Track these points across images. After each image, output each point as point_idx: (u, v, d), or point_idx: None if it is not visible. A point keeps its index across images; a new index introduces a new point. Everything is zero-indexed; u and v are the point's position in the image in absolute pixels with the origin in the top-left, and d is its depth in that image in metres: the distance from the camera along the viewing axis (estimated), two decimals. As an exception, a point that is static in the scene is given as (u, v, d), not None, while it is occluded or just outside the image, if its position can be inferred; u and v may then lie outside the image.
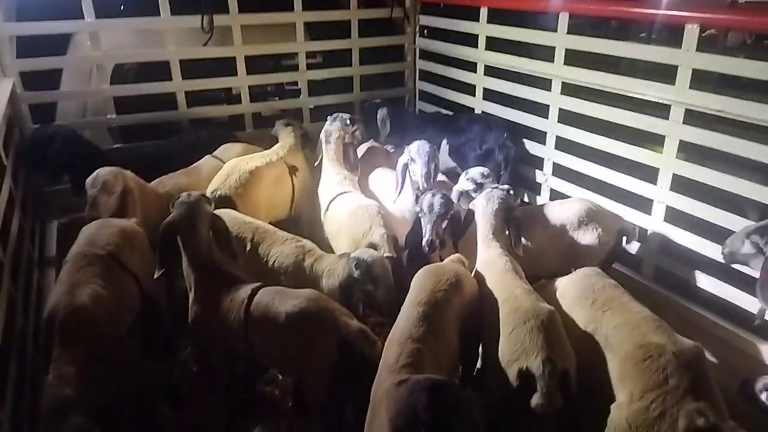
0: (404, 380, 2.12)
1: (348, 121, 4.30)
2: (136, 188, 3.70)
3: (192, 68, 4.94)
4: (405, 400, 1.99)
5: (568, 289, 2.92)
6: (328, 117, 4.39)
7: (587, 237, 3.52)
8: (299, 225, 4.39)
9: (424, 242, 3.32)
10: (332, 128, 4.28)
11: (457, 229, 3.42)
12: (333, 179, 4.10)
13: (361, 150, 4.74)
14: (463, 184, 3.82)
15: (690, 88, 3.39)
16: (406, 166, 3.80)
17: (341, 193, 3.92)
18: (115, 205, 3.52)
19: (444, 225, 3.37)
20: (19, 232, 3.53)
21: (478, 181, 3.77)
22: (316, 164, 4.44)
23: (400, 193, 3.84)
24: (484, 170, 3.86)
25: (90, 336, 2.56)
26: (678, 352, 2.31)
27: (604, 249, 3.52)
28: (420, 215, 3.41)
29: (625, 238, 3.61)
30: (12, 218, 3.48)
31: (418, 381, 2.07)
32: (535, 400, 2.30)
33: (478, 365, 2.98)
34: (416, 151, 3.75)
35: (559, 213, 3.64)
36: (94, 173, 3.55)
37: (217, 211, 3.25)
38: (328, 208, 3.92)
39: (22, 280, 3.36)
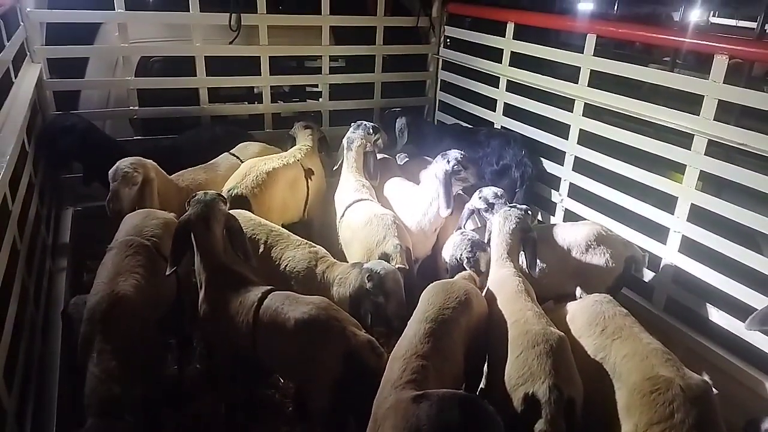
0: (421, 395, 2.10)
1: (371, 130, 4.28)
2: (159, 179, 3.74)
3: (214, 65, 4.97)
4: (435, 417, 1.98)
5: (578, 314, 2.91)
6: (352, 123, 4.38)
7: (594, 261, 3.48)
8: (310, 229, 4.40)
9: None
10: (354, 136, 4.27)
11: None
12: (350, 186, 4.10)
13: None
14: (475, 202, 3.81)
15: (715, 119, 3.36)
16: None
17: (357, 201, 3.91)
18: (136, 196, 3.57)
19: None
20: (35, 219, 3.56)
21: (490, 201, 3.74)
22: (335, 169, 4.44)
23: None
24: (498, 190, 3.83)
25: (131, 327, 2.61)
26: (686, 386, 2.30)
27: (611, 275, 3.48)
28: None
29: (633, 266, 3.57)
30: (30, 205, 3.50)
31: (445, 396, 2.07)
32: (539, 426, 2.28)
33: (482, 385, 2.97)
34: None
35: (568, 234, 3.61)
36: (116, 165, 3.57)
37: (232, 212, 3.26)
38: (343, 215, 3.91)
39: (36, 267, 3.38)
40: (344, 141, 4.33)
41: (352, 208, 3.87)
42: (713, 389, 2.39)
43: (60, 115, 4.40)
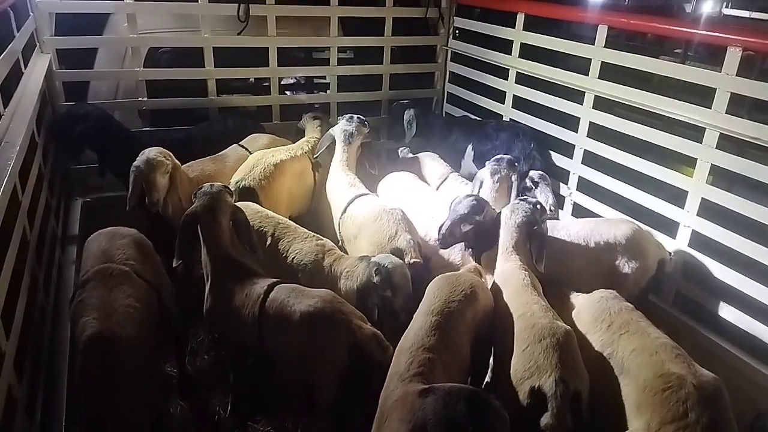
0: (427, 389, 2.10)
1: (365, 122, 4.25)
2: (178, 166, 3.79)
3: (222, 56, 4.95)
4: (441, 411, 1.99)
5: (584, 309, 2.89)
6: (341, 117, 4.33)
7: (632, 263, 3.35)
8: (317, 221, 4.39)
9: (438, 235, 3.31)
10: (352, 129, 4.17)
11: (481, 239, 3.33)
12: (344, 181, 4.00)
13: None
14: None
15: (727, 112, 3.33)
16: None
17: (359, 196, 3.83)
18: (167, 183, 3.60)
19: (466, 229, 3.30)
20: (45, 209, 3.58)
21: (536, 180, 3.98)
22: (316, 156, 4.34)
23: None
24: (543, 173, 4.04)
25: (139, 363, 2.48)
26: (699, 385, 2.28)
27: (645, 276, 3.38)
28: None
29: (663, 268, 3.48)
30: (40, 195, 3.52)
31: (451, 390, 2.07)
32: (545, 420, 2.29)
33: (487, 378, 2.97)
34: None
35: (604, 233, 3.45)
36: (143, 156, 3.57)
37: (239, 204, 3.27)
38: (345, 210, 3.81)
39: (45, 256, 3.40)
40: (339, 134, 4.20)
41: (355, 204, 3.79)
42: (724, 387, 2.35)
43: (76, 103, 4.42)
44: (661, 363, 2.40)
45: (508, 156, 3.78)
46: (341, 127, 4.23)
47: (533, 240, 3.14)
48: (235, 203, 3.19)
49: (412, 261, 3.16)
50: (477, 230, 3.31)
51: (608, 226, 3.56)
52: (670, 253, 3.61)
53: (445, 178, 4.55)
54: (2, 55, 3.23)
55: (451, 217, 3.33)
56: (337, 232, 3.90)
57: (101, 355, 2.40)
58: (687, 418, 2.19)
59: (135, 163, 3.57)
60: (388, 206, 3.64)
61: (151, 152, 3.60)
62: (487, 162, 3.95)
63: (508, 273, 3.03)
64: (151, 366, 2.60)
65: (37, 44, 4.37)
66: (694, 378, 2.30)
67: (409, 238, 3.36)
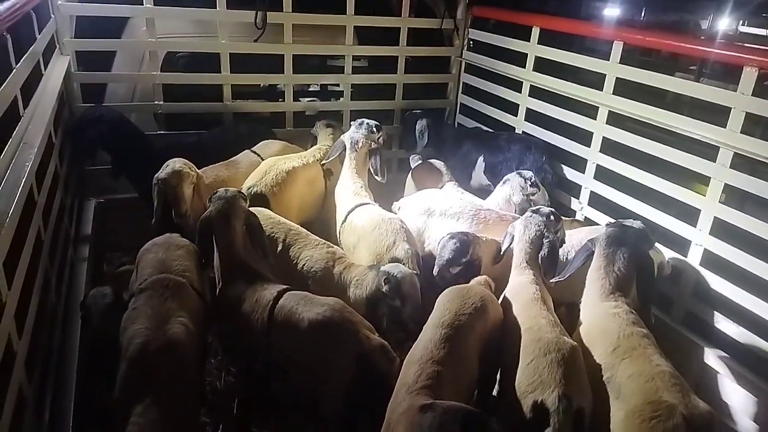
0: (428, 405, 2.09)
1: (374, 128, 4.16)
2: (201, 176, 3.80)
3: (236, 62, 4.99)
4: (436, 429, 1.98)
5: (595, 325, 2.84)
6: (352, 122, 4.30)
7: None
8: (327, 228, 4.40)
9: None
10: (359, 136, 4.12)
11: (472, 274, 3.33)
12: (350, 188, 3.98)
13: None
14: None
15: (742, 132, 3.31)
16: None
17: (360, 205, 3.80)
18: (192, 194, 3.59)
19: (455, 271, 3.33)
20: (59, 210, 3.62)
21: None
22: (323, 164, 4.34)
23: None
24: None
25: (183, 377, 2.46)
26: (689, 416, 2.19)
27: None
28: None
29: (660, 272, 3.50)
30: (55, 196, 3.56)
31: (449, 410, 2.05)
32: (547, 435, 2.27)
33: (495, 393, 2.95)
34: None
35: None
36: (168, 168, 3.54)
37: (252, 209, 3.29)
38: (345, 219, 3.80)
39: (58, 257, 3.44)
40: (346, 140, 4.18)
41: (355, 213, 3.77)
42: (718, 420, 2.29)
43: (93, 105, 4.47)
44: (654, 390, 2.31)
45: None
46: (349, 134, 4.22)
47: (544, 251, 3.13)
48: (249, 208, 3.21)
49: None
50: (467, 269, 3.31)
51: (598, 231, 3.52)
52: (667, 259, 3.59)
53: (442, 187, 4.55)
54: (24, 57, 3.28)
55: (439, 263, 3.36)
56: (339, 240, 3.88)
57: (147, 363, 2.37)
58: None
59: (159, 175, 3.53)
60: (387, 216, 3.63)
61: (177, 164, 3.58)
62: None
63: (520, 287, 3.02)
64: (192, 381, 2.56)
65: (57, 46, 4.43)
66: (686, 409, 2.20)
67: (407, 248, 3.36)
